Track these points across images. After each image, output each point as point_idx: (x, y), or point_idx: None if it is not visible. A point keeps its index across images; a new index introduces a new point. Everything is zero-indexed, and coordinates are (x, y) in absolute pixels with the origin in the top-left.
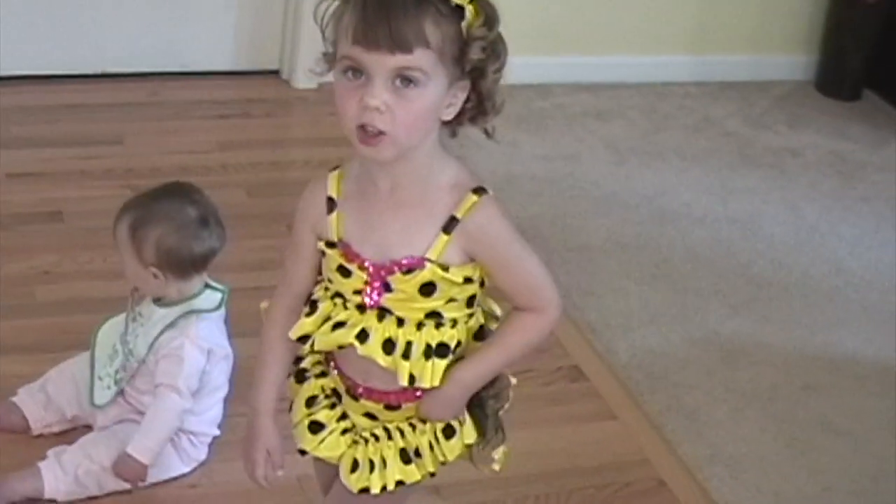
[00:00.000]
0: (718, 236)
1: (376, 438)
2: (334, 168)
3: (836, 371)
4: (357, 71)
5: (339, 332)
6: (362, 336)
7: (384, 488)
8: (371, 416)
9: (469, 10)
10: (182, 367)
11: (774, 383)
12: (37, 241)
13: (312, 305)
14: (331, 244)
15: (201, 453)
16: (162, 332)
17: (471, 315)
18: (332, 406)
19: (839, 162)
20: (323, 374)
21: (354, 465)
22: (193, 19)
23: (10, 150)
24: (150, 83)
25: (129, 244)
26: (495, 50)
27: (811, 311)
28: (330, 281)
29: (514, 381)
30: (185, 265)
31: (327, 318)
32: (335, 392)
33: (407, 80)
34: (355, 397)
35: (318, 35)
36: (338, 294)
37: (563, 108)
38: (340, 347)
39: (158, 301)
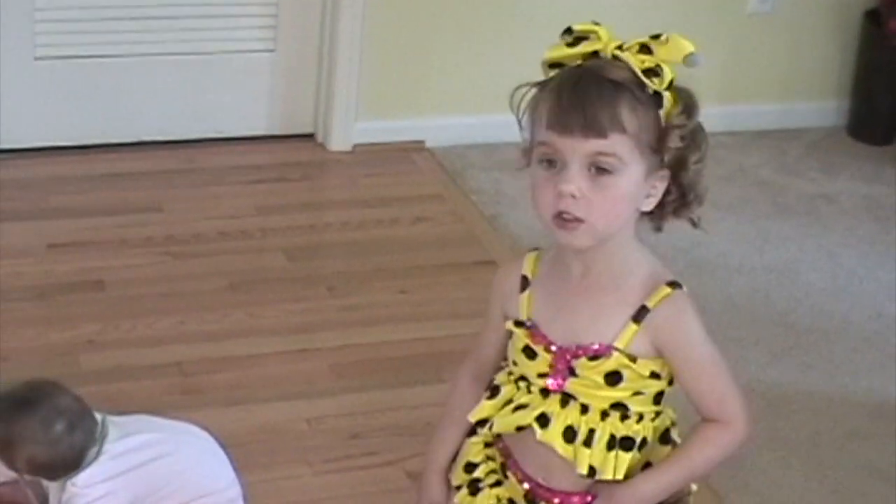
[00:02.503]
0: (756, 285)
1: None
2: (533, 249)
3: (879, 416)
4: (552, 161)
5: (520, 413)
6: (543, 420)
7: None
8: None
9: (667, 97)
10: None
11: (818, 430)
12: (79, 310)
13: (494, 390)
14: (519, 324)
15: None
16: None
17: (658, 413)
18: None
19: (874, 206)
20: (498, 483)
21: None
22: (227, 85)
23: (51, 221)
24: (186, 150)
25: None
26: (695, 139)
27: (852, 356)
28: (514, 364)
29: (694, 487)
30: (60, 471)
31: (509, 402)
32: (511, 502)
33: (602, 168)
34: (533, 503)
35: (351, 96)
36: (522, 378)
37: None
38: (519, 429)
39: None
